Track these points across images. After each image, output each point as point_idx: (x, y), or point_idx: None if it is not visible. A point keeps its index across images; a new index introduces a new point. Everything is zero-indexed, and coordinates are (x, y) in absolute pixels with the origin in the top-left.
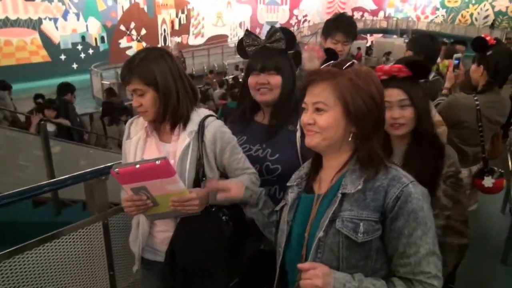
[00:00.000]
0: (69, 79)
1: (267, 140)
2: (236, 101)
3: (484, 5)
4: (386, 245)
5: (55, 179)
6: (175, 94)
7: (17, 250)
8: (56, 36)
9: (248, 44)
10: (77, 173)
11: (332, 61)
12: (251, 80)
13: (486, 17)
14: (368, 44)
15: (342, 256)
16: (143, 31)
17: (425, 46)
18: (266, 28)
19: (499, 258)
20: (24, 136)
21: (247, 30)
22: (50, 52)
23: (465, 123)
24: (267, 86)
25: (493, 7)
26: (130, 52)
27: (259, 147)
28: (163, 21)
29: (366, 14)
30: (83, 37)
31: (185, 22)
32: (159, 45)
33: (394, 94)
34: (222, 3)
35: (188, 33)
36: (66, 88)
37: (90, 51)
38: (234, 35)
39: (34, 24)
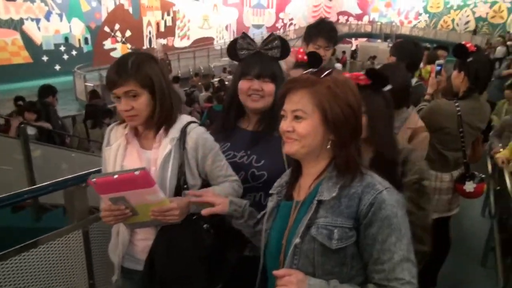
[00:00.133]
0: (52, 80)
1: (251, 146)
2: (222, 104)
3: (465, 11)
4: (361, 252)
5: (35, 186)
6: (168, 97)
7: None
8: (38, 37)
9: (241, 47)
10: (58, 180)
11: (310, 69)
12: (243, 84)
13: (467, 22)
14: (353, 48)
15: (318, 262)
16: (128, 33)
17: (408, 52)
18: (253, 31)
19: (479, 261)
20: (3, 139)
21: (243, 32)
22: (32, 53)
23: (446, 128)
24: (260, 93)
25: (473, 13)
26: (114, 54)
27: (244, 153)
28: (149, 23)
29: (351, 19)
30: (66, 38)
31: (170, 24)
32: (145, 47)
33: None
34: (208, 5)
35: (173, 35)
36: (47, 91)
37: (74, 52)
38: (220, 38)
39: (16, 25)
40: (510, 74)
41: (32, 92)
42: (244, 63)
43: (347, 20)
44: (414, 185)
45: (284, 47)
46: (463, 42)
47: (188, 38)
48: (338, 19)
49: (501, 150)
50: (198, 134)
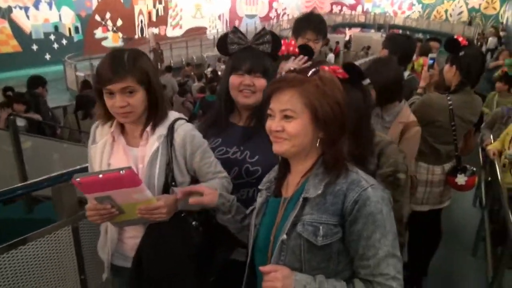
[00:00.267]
0: (42, 70)
1: (244, 142)
2: (214, 95)
3: (459, 1)
4: (347, 248)
5: (29, 182)
6: (161, 93)
7: None
8: (27, 25)
9: (232, 42)
10: (52, 175)
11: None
12: (235, 80)
13: (460, 13)
14: (346, 38)
15: (304, 258)
16: (119, 22)
17: (401, 44)
18: (246, 20)
19: (470, 251)
20: None
21: (234, 27)
22: (21, 42)
23: (438, 122)
24: (251, 88)
25: (466, 3)
26: (105, 43)
27: (237, 149)
28: (140, 12)
29: (344, 8)
30: (56, 27)
31: (162, 13)
32: (136, 36)
33: None
34: None
35: (166, 24)
36: (37, 81)
37: (64, 41)
38: (213, 27)
39: (4, 13)
40: (497, 66)
41: (22, 82)
42: (235, 58)
43: (340, 10)
44: (389, 177)
45: (275, 42)
46: (455, 36)
47: (181, 28)
48: (331, 9)
49: (492, 142)
50: (186, 131)
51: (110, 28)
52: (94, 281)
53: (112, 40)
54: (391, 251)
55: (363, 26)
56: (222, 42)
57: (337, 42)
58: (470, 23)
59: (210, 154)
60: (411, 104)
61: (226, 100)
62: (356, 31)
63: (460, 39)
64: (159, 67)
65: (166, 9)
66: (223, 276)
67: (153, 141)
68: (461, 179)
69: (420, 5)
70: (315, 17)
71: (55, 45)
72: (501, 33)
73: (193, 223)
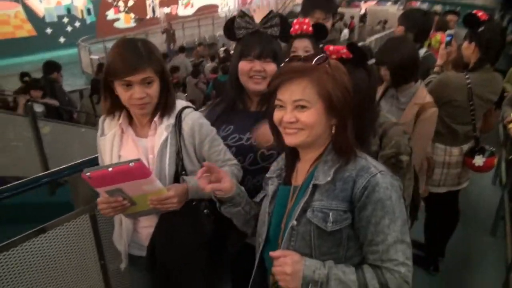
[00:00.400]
0: (57, 53)
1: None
2: (227, 74)
3: None
4: (357, 234)
5: (51, 170)
6: (170, 82)
7: (2, 247)
8: (40, 9)
9: (239, 26)
10: (73, 163)
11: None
12: (244, 66)
13: None
14: (362, 12)
15: (314, 244)
16: (131, 2)
17: (417, 21)
18: None
19: (488, 230)
20: (12, 117)
21: (241, 11)
22: (35, 26)
23: (456, 102)
24: (261, 73)
25: None
26: (117, 24)
27: (250, 135)
28: None
29: None
30: (68, 10)
31: None
32: (148, 17)
33: None
34: None
35: (177, 3)
36: (52, 67)
37: (77, 24)
38: (225, 5)
39: None
40: None
41: (38, 66)
42: (244, 43)
43: None
44: (391, 159)
45: (283, 24)
46: (474, 11)
47: (192, 6)
48: None
49: None
50: (194, 119)
51: (121, 9)
52: (112, 266)
53: (124, 21)
54: (400, 237)
55: None
56: (230, 27)
57: (352, 17)
58: None
59: (219, 142)
60: (427, 84)
61: (236, 86)
62: (371, 4)
63: (480, 13)
64: (171, 47)
65: None
66: (236, 260)
67: (162, 131)
68: (479, 160)
69: None
70: None
71: (69, 28)
72: None
73: (205, 211)
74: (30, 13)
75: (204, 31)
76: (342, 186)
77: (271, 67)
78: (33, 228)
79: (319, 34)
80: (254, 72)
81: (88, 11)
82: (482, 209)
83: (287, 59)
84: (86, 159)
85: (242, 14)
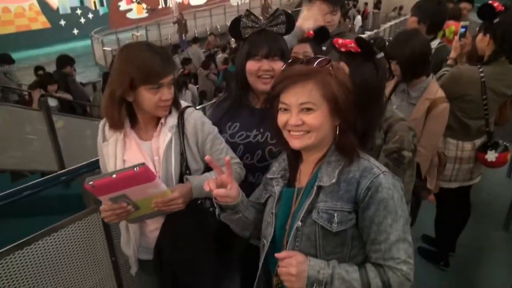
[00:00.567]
0: (71, 45)
1: (263, 124)
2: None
3: None
4: (361, 233)
5: (68, 169)
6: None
7: (17, 246)
8: (54, 1)
9: (245, 26)
10: (89, 161)
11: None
12: (252, 65)
13: None
14: None
15: (319, 244)
16: None
17: (431, 11)
18: None
19: (501, 225)
20: (27, 112)
21: (247, 10)
22: (50, 18)
23: (468, 96)
24: (270, 73)
25: None
26: (130, 15)
27: (257, 132)
28: None
29: None
30: (81, 1)
31: None
32: (160, 7)
33: (343, 68)
34: None
35: None
36: (65, 61)
37: (90, 15)
38: None
39: None
40: None
41: (53, 59)
42: (250, 42)
43: None
44: (393, 154)
45: (289, 21)
46: (489, 2)
47: None
48: None
49: None
50: (196, 119)
51: None
52: (124, 261)
53: (136, 11)
54: (402, 236)
55: None
56: (235, 27)
57: (366, 3)
58: None
59: (220, 140)
60: (440, 77)
61: (243, 86)
62: None
63: (496, 4)
64: (183, 38)
65: None
66: (245, 259)
67: (166, 132)
68: (491, 155)
69: None
70: None
71: (82, 20)
72: None
73: (210, 208)
74: (44, 5)
75: (216, 20)
76: (346, 187)
77: (279, 66)
78: (47, 221)
79: (320, 36)
80: (262, 71)
81: (101, 2)
82: (494, 203)
83: (288, 62)
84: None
85: (248, 14)
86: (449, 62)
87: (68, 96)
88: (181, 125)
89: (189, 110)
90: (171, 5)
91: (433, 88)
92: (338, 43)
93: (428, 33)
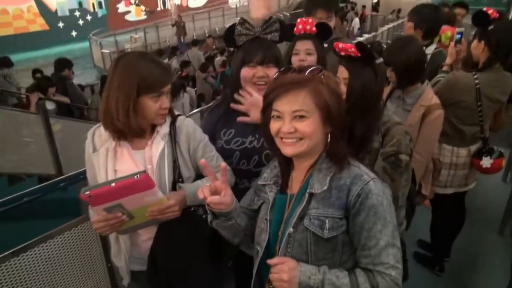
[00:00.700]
0: (69, 47)
1: (258, 129)
2: None
3: None
4: (351, 239)
5: (68, 175)
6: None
7: (14, 252)
8: (52, 3)
9: (240, 34)
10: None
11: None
12: (247, 72)
13: None
14: (374, 0)
15: (310, 250)
16: None
17: (427, 17)
18: None
19: (496, 230)
20: (25, 115)
21: (241, 18)
22: (48, 20)
23: (463, 102)
24: (264, 79)
25: None
26: (128, 17)
27: (252, 138)
28: None
29: None
30: (80, 3)
31: None
32: (159, 9)
33: (342, 72)
34: None
35: None
36: (63, 64)
37: (88, 17)
38: None
39: None
40: None
41: (51, 61)
42: (245, 49)
43: None
44: (391, 157)
45: (283, 29)
46: (483, 9)
47: None
48: None
49: None
50: (188, 126)
51: (132, 1)
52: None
53: (135, 14)
54: (391, 241)
55: None
56: (230, 34)
57: (364, 6)
58: None
59: (211, 148)
60: (435, 83)
61: (238, 92)
62: None
63: (490, 11)
64: (182, 40)
65: None
66: (238, 266)
67: (158, 141)
68: (486, 161)
69: None
70: None
71: (80, 22)
72: None
73: (203, 215)
74: (43, 8)
75: (214, 23)
76: (337, 194)
77: (273, 72)
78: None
79: (322, 33)
80: (257, 78)
81: (100, 4)
82: (489, 208)
83: (280, 70)
84: None
85: (242, 21)
86: (444, 68)
87: (65, 100)
88: (173, 133)
89: (181, 118)
90: (169, 7)
91: (428, 94)
92: (338, 47)
93: (425, 38)
